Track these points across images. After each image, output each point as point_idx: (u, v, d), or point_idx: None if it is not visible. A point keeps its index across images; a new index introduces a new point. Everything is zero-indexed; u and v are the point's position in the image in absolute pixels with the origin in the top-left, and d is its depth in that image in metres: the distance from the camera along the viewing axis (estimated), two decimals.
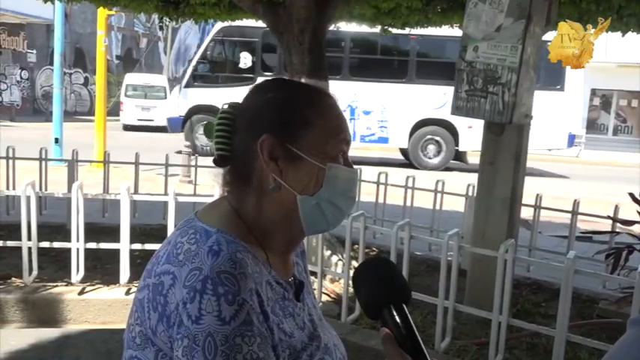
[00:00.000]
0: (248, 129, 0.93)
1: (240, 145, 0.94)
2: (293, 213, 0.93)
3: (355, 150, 11.94)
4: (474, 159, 12.16)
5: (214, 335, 0.78)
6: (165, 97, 19.55)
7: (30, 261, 3.86)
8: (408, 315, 0.85)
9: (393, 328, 0.84)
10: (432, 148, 13.48)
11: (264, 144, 0.92)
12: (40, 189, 5.37)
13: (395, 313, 0.85)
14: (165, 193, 4.73)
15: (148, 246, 4.01)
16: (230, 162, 0.96)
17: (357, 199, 5.74)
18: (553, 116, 11.95)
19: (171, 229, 3.81)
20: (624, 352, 0.61)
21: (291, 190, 0.92)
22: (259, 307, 0.84)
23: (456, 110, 3.70)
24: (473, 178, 4.37)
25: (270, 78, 1.04)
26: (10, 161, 5.73)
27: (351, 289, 3.73)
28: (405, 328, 0.84)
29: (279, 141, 0.92)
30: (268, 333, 0.85)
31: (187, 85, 13.53)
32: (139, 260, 4.08)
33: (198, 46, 32.42)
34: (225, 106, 0.97)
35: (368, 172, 6.05)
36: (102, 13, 9.76)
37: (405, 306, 0.86)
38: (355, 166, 1.01)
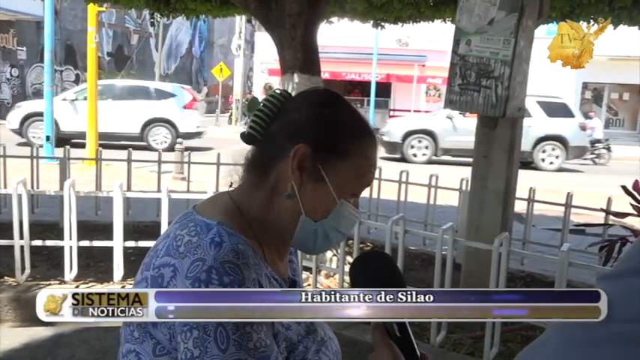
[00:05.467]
0: (289, 128, 0.93)
1: (275, 136, 0.93)
2: (294, 224, 0.93)
3: None
4: None
5: (225, 325, 0.79)
6: None
7: (22, 260, 3.83)
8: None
9: (387, 323, 0.84)
10: None
11: (299, 152, 0.90)
12: (32, 187, 5.34)
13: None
14: (159, 190, 4.71)
15: (142, 243, 3.99)
16: (255, 144, 0.95)
17: None
18: None
19: (164, 225, 3.79)
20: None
21: (300, 205, 0.92)
22: None
23: (450, 104, 3.70)
24: (467, 172, 4.38)
25: (327, 90, 1.02)
26: (1, 159, 5.69)
27: (346, 285, 3.73)
28: (398, 322, 0.84)
29: (313, 157, 0.91)
30: (270, 322, 0.86)
31: None
32: (133, 258, 4.05)
33: (190, 43, 32.42)
34: (277, 91, 0.96)
35: None
36: (92, 9, 9.68)
37: None
38: None
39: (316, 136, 0.91)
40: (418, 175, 6.40)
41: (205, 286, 0.80)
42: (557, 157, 13.66)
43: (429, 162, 13.19)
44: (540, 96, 14.71)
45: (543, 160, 13.65)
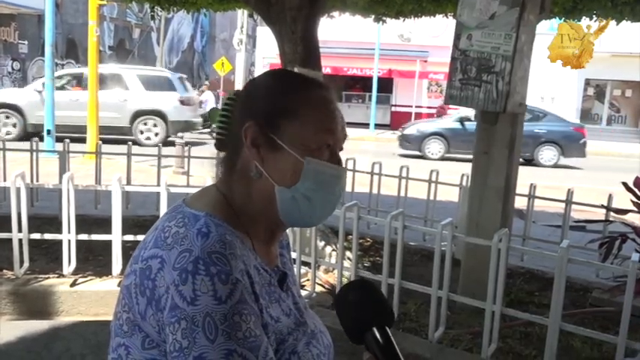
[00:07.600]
0: (240, 116, 0.95)
1: (234, 130, 0.95)
2: (274, 202, 0.93)
3: None
4: None
5: (213, 315, 0.78)
6: None
7: (21, 253, 3.82)
8: (392, 338, 0.85)
9: (377, 352, 0.84)
10: None
11: (248, 130, 0.93)
12: (32, 180, 5.33)
13: (378, 336, 0.84)
14: (158, 185, 4.70)
15: (141, 237, 3.96)
16: (226, 147, 0.98)
17: (349, 190, 5.74)
18: None
19: None
20: None
21: (269, 179, 0.92)
22: (250, 288, 0.84)
23: (450, 99, 3.68)
24: (467, 167, 4.36)
25: (277, 69, 1.04)
26: (1, 153, 5.68)
27: (344, 280, 3.72)
28: (389, 352, 0.83)
29: (262, 129, 0.92)
30: (259, 313, 0.86)
31: None
32: (132, 252, 4.00)
33: (192, 37, 32.35)
34: (232, 94, 0.99)
35: (362, 163, 6.02)
36: (93, 2, 9.67)
37: (388, 329, 0.85)
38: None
39: (259, 108, 0.94)
40: (418, 170, 6.38)
41: (192, 276, 0.80)
42: (156, 133, 13.23)
43: None
44: (140, 69, 14.45)
45: (142, 132, 13.21)
